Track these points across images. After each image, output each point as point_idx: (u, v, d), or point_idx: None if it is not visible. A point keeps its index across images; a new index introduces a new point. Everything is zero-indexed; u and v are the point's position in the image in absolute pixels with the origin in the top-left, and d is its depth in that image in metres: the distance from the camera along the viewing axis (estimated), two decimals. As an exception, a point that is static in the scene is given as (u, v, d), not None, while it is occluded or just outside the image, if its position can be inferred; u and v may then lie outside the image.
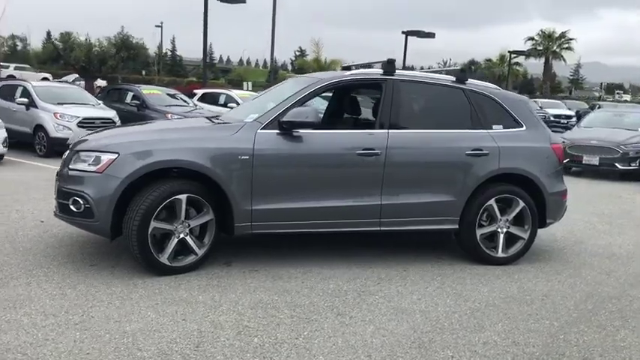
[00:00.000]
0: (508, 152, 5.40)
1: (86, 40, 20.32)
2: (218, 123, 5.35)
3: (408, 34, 29.00)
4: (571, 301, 4.60)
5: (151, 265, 4.61)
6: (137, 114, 14.58)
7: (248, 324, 3.82)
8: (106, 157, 4.55)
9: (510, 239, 5.54)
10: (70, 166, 4.69)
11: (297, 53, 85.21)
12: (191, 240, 4.74)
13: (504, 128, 5.53)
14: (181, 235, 4.69)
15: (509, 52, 40.73)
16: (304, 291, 4.50)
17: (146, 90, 15.35)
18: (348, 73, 5.51)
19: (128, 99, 15.49)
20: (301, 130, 4.93)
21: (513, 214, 5.46)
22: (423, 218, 5.25)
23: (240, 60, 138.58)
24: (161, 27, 47.12)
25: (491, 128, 5.47)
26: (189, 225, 4.72)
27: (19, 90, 13.34)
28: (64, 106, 12.78)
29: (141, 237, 4.48)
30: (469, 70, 7.07)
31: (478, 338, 3.78)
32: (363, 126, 5.74)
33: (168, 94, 16.56)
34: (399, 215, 5.18)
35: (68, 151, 4.90)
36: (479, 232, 5.38)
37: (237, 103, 15.99)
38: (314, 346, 3.54)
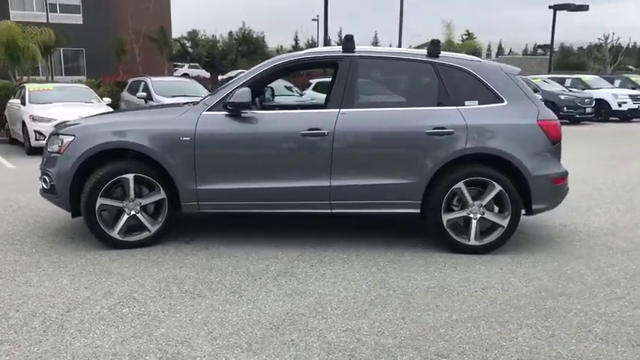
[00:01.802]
0: (478, 130, 4.91)
1: (213, 36, 21.90)
2: (177, 106, 5.57)
3: (556, 8, 26.69)
4: (506, 295, 4.10)
5: (103, 239, 4.99)
6: None
7: (136, 296, 4.01)
8: (66, 140, 5.02)
9: (491, 226, 5.06)
10: (48, 149, 5.23)
11: (465, 37, 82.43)
12: (143, 217, 5.04)
13: (480, 104, 5.03)
14: (132, 212, 5.00)
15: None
16: (228, 269, 4.57)
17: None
18: (303, 52, 5.40)
19: None
20: (249, 112, 4.99)
21: (488, 198, 4.97)
22: (378, 201, 4.99)
23: (410, 47, 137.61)
24: (317, 20, 48.49)
25: (463, 104, 5.01)
26: (140, 203, 5.01)
27: (142, 85, 14.80)
28: (176, 98, 13.91)
29: (88, 212, 4.89)
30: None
31: (345, 325, 3.57)
32: (316, 106, 5.60)
33: (285, 87, 17.20)
34: (351, 198, 4.98)
35: (49, 135, 5.46)
36: (445, 217, 4.98)
37: None
38: (169, 319, 3.63)
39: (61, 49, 34.34)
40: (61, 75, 34.14)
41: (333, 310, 3.81)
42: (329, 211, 5.02)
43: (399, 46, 23.51)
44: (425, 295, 4.09)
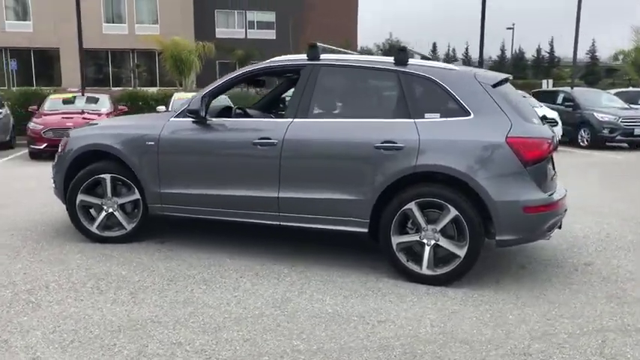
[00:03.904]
0: (432, 146, 4.38)
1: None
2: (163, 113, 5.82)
3: None
4: (393, 333, 3.61)
5: (84, 232, 5.44)
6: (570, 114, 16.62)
7: (51, 286, 4.32)
8: (65, 141, 5.59)
9: (451, 255, 4.48)
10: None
11: None
12: (119, 215, 5.39)
13: (442, 117, 4.49)
14: (110, 210, 5.38)
15: None
16: (159, 272, 4.67)
17: None
18: (268, 60, 5.29)
19: (559, 100, 17.45)
20: (215, 119, 5.09)
21: (442, 223, 4.40)
22: (325, 217, 4.71)
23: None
24: (512, 29, 46.12)
25: (423, 117, 4.51)
26: (117, 202, 5.37)
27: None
28: None
29: (70, 207, 5.37)
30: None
31: (183, 338, 3.46)
32: (275, 115, 5.42)
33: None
34: (298, 211, 4.78)
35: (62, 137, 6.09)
36: (395, 240, 4.53)
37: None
38: (45, 310, 3.84)
39: (255, 62, 37.58)
40: (255, 86, 37.15)
41: (194, 322, 3.72)
42: (277, 223, 4.87)
43: (574, 56, 21.36)
44: (306, 320, 3.79)
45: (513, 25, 45.57)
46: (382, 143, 4.46)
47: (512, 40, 47.38)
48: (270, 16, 38.03)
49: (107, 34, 35.24)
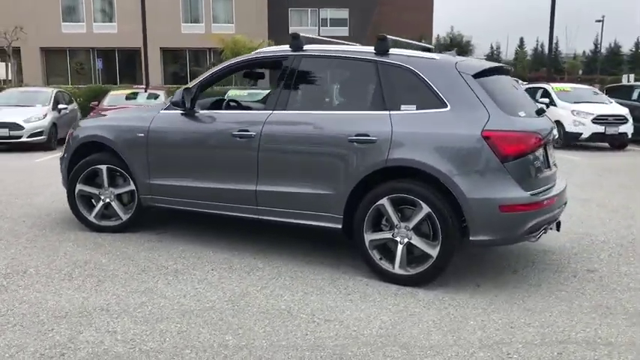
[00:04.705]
0: (404, 139, 4.17)
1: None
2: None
3: None
4: (332, 332, 3.46)
5: (83, 221, 5.60)
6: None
7: (30, 271, 4.47)
8: (70, 132, 5.79)
9: (425, 254, 4.25)
10: (69, 139, 6.07)
11: None
12: (115, 205, 5.51)
13: (418, 109, 4.26)
14: (107, 200, 5.51)
15: None
16: (138, 262, 4.71)
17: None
18: (254, 52, 5.20)
19: (635, 96, 16.57)
20: (202, 111, 5.10)
21: (415, 220, 4.18)
22: (300, 211, 4.59)
23: None
24: (602, 21, 43.45)
25: (399, 109, 4.30)
26: (113, 192, 5.49)
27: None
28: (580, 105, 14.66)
29: (70, 196, 5.55)
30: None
31: (119, 327, 3.47)
32: (257, 107, 5.31)
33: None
34: (275, 205, 4.69)
35: (77, 128, 6.29)
36: (368, 237, 4.35)
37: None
38: (12, 294, 3.98)
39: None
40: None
41: (140, 312, 3.72)
42: (256, 216, 4.81)
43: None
44: (252, 315, 3.70)
45: (603, 17, 43.02)
46: (356, 136, 4.29)
47: (602, 33, 44.30)
48: (343, 13, 38.03)
49: (185, 33, 36.48)
